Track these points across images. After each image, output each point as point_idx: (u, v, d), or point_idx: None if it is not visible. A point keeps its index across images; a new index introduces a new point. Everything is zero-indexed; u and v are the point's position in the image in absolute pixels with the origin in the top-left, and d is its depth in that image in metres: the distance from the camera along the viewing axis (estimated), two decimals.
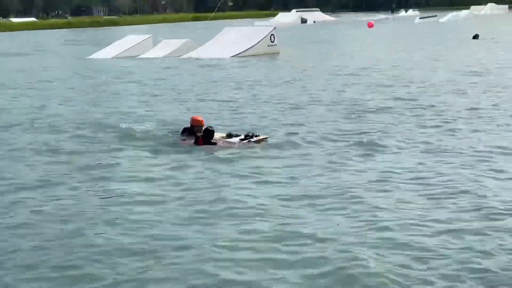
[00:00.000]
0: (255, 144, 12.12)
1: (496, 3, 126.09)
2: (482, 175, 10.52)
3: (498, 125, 15.05)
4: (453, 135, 13.90)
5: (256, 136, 12.33)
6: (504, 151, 12.23)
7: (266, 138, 12.58)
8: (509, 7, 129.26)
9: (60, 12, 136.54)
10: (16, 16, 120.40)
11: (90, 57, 37.97)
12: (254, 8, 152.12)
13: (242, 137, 12.22)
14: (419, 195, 9.59)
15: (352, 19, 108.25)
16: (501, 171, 10.79)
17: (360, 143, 13.08)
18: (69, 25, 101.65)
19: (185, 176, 10.70)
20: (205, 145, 11.89)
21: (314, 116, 16.18)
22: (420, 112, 16.70)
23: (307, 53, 38.47)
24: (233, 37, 37.99)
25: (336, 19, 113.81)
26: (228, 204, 9.22)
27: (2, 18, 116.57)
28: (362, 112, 16.75)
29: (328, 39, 55.20)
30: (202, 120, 12.84)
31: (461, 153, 12.08)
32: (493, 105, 17.37)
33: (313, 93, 20.44)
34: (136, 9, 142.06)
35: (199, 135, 12.17)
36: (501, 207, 8.86)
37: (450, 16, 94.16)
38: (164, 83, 24.74)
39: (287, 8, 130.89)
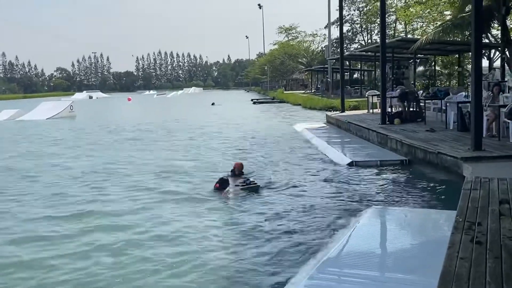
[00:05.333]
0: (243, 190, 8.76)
1: (196, 86, 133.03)
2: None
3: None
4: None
5: (252, 182, 8.94)
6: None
7: (258, 185, 8.94)
8: (203, 88, 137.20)
9: None
10: None
11: None
12: (61, 90, 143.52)
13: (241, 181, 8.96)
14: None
15: (119, 96, 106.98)
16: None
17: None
18: None
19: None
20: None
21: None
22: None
23: (91, 115, 38.61)
24: (47, 107, 36.55)
25: (110, 96, 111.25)
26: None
27: None
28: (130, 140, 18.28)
29: (105, 108, 54.79)
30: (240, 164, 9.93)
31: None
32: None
33: (93, 135, 21.55)
34: None
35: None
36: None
37: (173, 93, 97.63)
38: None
39: (81, 90, 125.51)
